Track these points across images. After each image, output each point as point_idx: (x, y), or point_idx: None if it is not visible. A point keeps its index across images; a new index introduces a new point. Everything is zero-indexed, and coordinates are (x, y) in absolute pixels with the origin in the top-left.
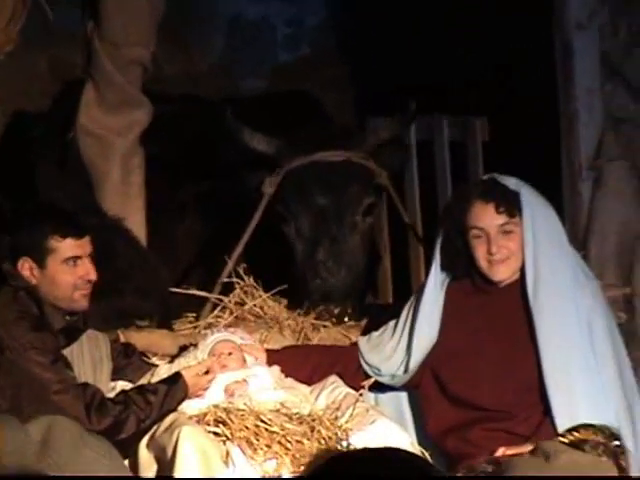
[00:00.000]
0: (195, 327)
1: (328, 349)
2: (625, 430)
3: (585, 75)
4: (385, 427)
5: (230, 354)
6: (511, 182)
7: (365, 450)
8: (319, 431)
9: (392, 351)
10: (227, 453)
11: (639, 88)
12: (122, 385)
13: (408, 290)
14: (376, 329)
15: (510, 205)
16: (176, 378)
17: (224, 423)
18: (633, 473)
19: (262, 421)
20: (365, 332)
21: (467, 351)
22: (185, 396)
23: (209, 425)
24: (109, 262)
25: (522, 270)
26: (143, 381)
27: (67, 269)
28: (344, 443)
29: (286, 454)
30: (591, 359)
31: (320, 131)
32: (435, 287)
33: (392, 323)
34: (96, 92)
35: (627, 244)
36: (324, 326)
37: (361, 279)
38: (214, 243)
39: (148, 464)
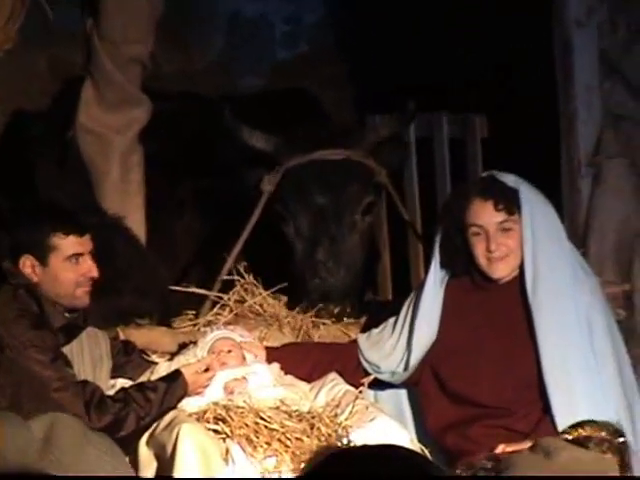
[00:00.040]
0: (195, 325)
1: (328, 346)
2: (625, 428)
3: (584, 72)
4: (385, 424)
5: (229, 352)
6: (510, 179)
7: (365, 447)
8: (319, 428)
9: (392, 348)
10: (227, 450)
11: (638, 85)
12: (122, 383)
13: (407, 287)
14: (376, 326)
15: (509, 202)
16: (176, 376)
17: (224, 420)
18: (634, 471)
19: (262, 418)
20: (364, 329)
21: (466, 348)
22: (185, 394)
23: (209, 423)
24: (109, 261)
25: (521, 267)
26: (143, 379)
27: (69, 266)
28: (344, 440)
29: (286, 451)
30: (590, 356)
31: (319, 129)
32: (435, 284)
33: (392, 320)
34: (95, 90)
35: (626, 241)
36: (323, 323)
37: (360, 278)
38: (213, 241)
39: (148, 462)
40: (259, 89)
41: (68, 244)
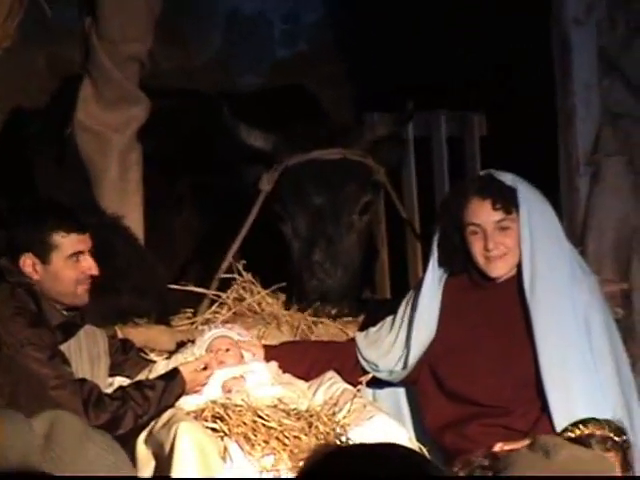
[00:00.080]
0: (193, 323)
1: (326, 345)
2: None
3: (583, 70)
4: (383, 423)
5: (228, 350)
6: (508, 178)
7: (362, 446)
8: (317, 427)
9: (390, 347)
10: (225, 449)
11: (637, 83)
12: (120, 381)
13: (406, 286)
14: (374, 325)
15: (507, 201)
16: (174, 374)
17: (222, 419)
18: (635, 468)
19: (260, 417)
20: (363, 328)
21: (465, 347)
22: (183, 392)
23: (207, 421)
24: (107, 260)
25: (519, 266)
26: (141, 377)
27: (71, 264)
28: (342, 439)
29: (284, 450)
30: (588, 355)
31: (317, 127)
32: (433, 283)
33: (390, 319)
34: (94, 88)
35: (625, 239)
36: (321, 322)
37: (358, 277)
38: (212, 238)
39: (146, 460)
40: (258, 87)
41: (70, 242)
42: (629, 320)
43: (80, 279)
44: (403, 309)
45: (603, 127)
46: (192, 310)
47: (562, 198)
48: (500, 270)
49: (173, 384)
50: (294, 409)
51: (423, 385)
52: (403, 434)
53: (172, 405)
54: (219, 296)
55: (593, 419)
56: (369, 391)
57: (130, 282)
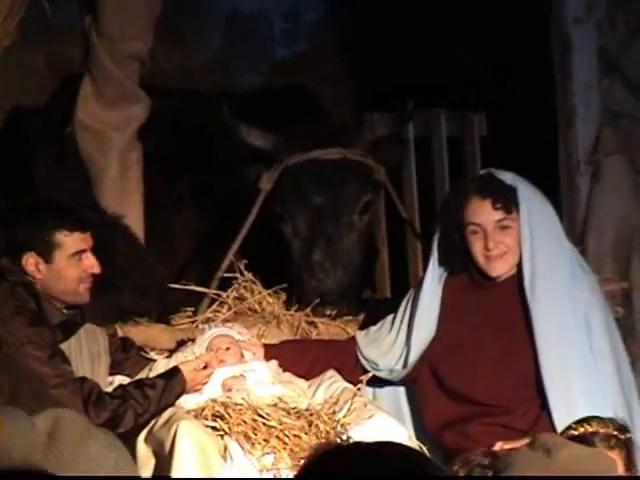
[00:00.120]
0: (193, 322)
1: (326, 343)
2: None
3: (583, 70)
4: (383, 421)
5: (228, 349)
6: (508, 177)
7: (362, 445)
8: (317, 425)
9: (390, 345)
10: (225, 447)
11: (637, 83)
12: (120, 379)
13: (406, 285)
14: (374, 324)
15: (507, 201)
16: (174, 373)
17: (222, 417)
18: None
19: (260, 415)
20: (363, 326)
21: (465, 346)
22: (183, 391)
23: (207, 420)
24: (108, 259)
25: (519, 265)
26: (141, 376)
27: (73, 263)
28: (342, 437)
29: (284, 448)
30: (588, 354)
31: (317, 127)
32: (433, 282)
33: (390, 318)
34: (94, 87)
35: (625, 238)
36: (322, 322)
37: (358, 277)
38: (212, 237)
39: (146, 458)
40: (258, 86)
41: (72, 241)
42: (629, 319)
43: (82, 277)
44: (403, 308)
45: (603, 127)
46: (192, 309)
47: (562, 197)
48: (500, 269)
49: (173, 383)
50: (294, 408)
51: (423, 384)
52: (403, 433)
53: (172, 404)
54: (219, 295)
55: (597, 417)
56: (369, 390)
57: (130, 281)
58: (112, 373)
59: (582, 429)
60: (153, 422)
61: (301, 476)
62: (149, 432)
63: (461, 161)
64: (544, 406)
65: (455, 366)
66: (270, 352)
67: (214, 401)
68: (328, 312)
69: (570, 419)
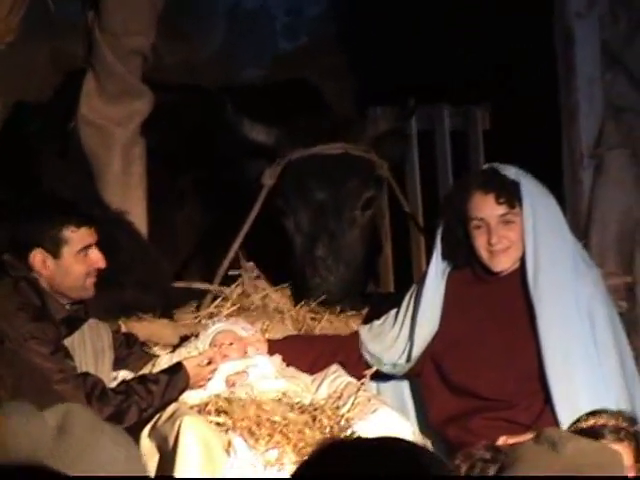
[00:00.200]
0: (196, 317)
1: (330, 338)
2: None
3: (586, 64)
4: (387, 416)
5: (231, 344)
6: (511, 172)
7: (366, 440)
8: (321, 420)
9: (393, 340)
10: (229, 443)
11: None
12: (123, 375)
13: (409, 279)
14: (377, 318)
15: (510, 195)
16: (177, 368)
17: (226, 413)
18: None
19: (264, 410)
20: (366, 321)
21: (468, 340)
22: (186, 386)
23: (210, 415)
24: (111, 255)
25: (522, 259)
26: (144, 371)
27: (80, 258)
28: (346, 432)
29: (288, 443)
30: (592, 348)
31: (320, 121)
32: (436, 276)
33: (393, 312)
34: (97, 82)
35: (628, 232)
36: (326, 318)
37: (361, 273)
38: (214, 233)
39: (150, 454)
40: (260, 80)
41: (79, 237)
42: (633, 313)
43: (89, 272)
44: (407, 303)
45: (606, 121)
46: (196, 304)
47: (565, 191)
48: (503, 264)
49: (177, 378)
50: (298, 403)
51: (427, 378)
52: (407, 427)
53: (176, 399)
54: (223, 290)
55: (605, 410)
56: (373, 384)
57: (134, 276)
58: (116, 369)
59: (591, 421)
60: (157, 417)
61: (305, 471)
62: (153, 427)
63: (464, 155)
64: (547, 400)
65: (458, 360)
66: (274, 347)
67: (218, 396)
68: (331, 309)
69: (573, 413)
